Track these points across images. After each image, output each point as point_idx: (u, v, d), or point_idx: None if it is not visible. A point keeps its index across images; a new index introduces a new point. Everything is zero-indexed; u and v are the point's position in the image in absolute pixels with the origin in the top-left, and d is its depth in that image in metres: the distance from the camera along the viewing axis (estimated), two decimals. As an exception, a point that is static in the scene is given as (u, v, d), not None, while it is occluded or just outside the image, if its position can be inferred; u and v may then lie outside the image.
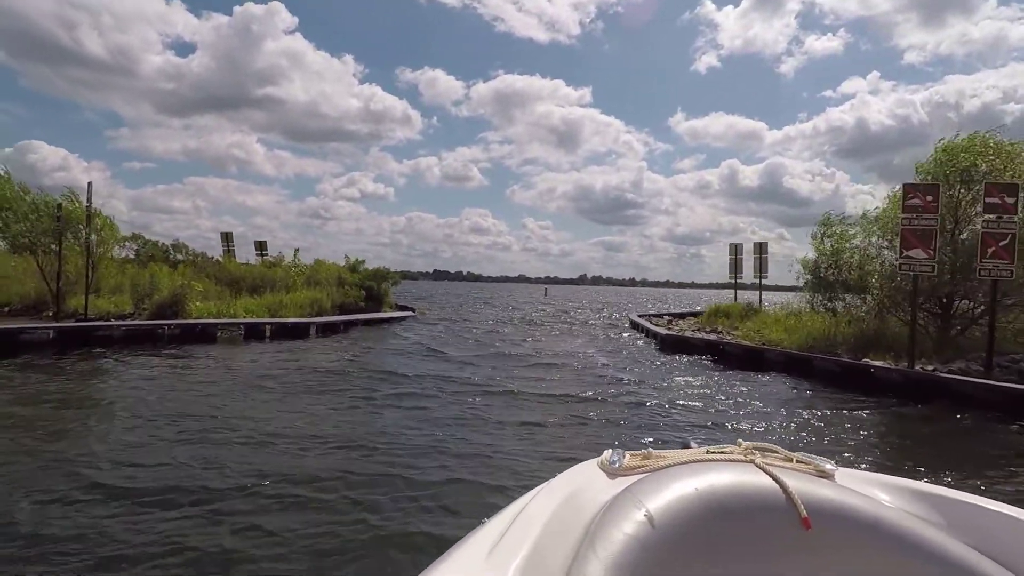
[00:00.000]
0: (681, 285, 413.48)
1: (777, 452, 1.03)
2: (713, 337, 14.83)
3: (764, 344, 12.58)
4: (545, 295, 63.70)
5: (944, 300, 11.25)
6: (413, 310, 23.69)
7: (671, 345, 14.52)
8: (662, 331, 16.18)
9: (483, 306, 37.00)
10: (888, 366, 9.40)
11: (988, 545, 0.88)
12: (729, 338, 14.50)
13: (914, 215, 9.21)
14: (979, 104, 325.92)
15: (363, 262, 22.00)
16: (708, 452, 1.04)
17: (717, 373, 10.83)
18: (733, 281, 22.43)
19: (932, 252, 9.10)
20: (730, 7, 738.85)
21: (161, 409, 6.52)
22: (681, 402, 7.94)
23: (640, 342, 16.95)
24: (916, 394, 8.25)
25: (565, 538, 0.83)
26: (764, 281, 21.35)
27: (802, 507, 0.83)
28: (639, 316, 23.05)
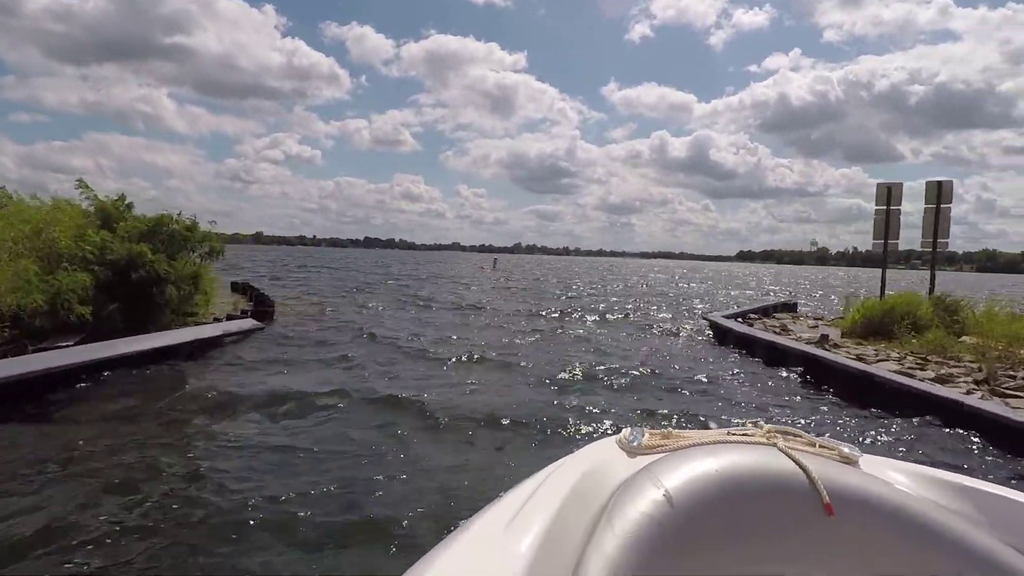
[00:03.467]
0: (613, 254, 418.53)
1: (800, 436, 1.00)
2: None
3: None
4: (494, 266, 51.63)
5: None
6: (270, 306, 11.05)
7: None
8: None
9: (421, 286, 24.81)
10: None
11: (1014, 537, 0.84)
12: None
13: None
14: (888, 84, 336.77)
15: (128, 205, 9.14)
16: (729, 433, 1.01)
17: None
18: (883, 248, 11.65)
19: None
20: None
21: None
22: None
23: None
24: None
25: (583, 514, 0.82)
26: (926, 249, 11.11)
27: (824, 492, 0.80)
28: (744, 320, 12.22)
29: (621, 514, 0.77)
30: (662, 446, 0.99)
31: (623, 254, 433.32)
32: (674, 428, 1.06)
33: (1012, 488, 0.96)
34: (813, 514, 0.80)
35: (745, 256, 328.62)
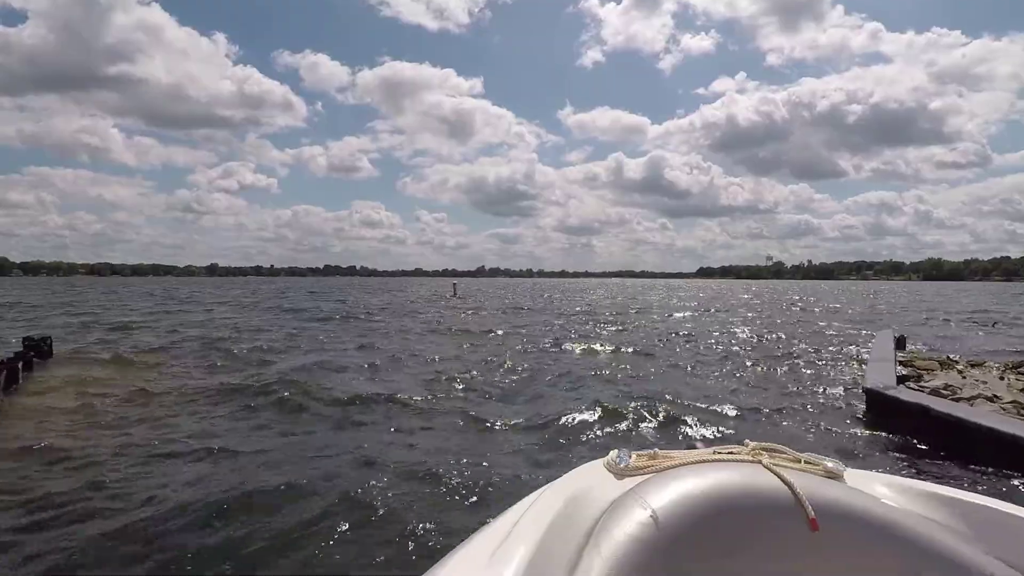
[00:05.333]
0: (576, 274, 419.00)
1: (785, 452, 1.01)
2: None
3: None
4: (455, 293, 47.12)
5: None
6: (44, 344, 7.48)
7: None
8: None
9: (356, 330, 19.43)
10: None
11: (1000, 549, 0.85)
12: None
13: None
14: (828, 104, 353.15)
15: None
16: (715, 452, 1.01)
17: None
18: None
19: None
20: (612, 3, 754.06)
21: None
22: None
23: None
24: None
25: (569, 538, 0.81)
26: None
27: (810, 508, 0.81)
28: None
29: (608, 537, 0.78)
30: (649, 467, 0.98)
31: (585, 274, 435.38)
32: (660, 449, 1.05)
33: (998, 500, 0.96)
34: (798, 529, 0.80)
35: (706, 272, 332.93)
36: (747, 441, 1.04)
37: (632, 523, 0.79)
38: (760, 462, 0.93)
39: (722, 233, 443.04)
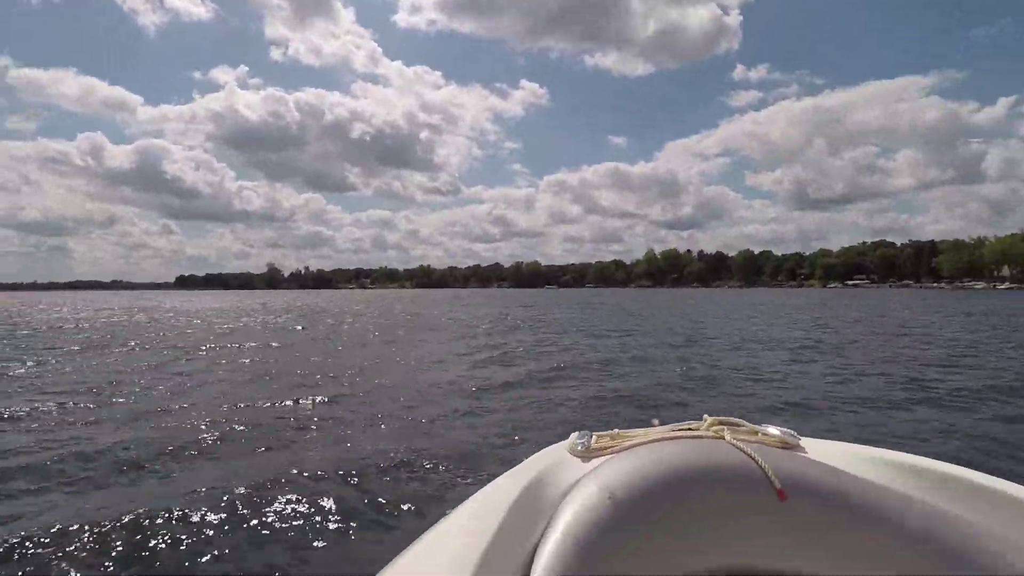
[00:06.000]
0: (38, 287, 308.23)
1: (743, 425, 1.02)
2: None
3: None
4: None
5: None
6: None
7: None
8: None
9: None
10: None
11: (956, 508, 0.85)
12: None
13: None
14: (335, 118, 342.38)
15: None
16: (675, 429, 1.02)
17: None
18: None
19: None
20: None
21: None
22: None
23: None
24: None
25: (530, 524, 0.82)
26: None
27: (776, 480, 0.81)
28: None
29: (566, 519, 0.77)
30: (610, 447, 0.98)
31: (51, 286, 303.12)
32: (621, 429, 1.06)
33: (949, 463, 0.97)
34: (767, 501, 0.80)
35: (186, 282, 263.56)
36: (705, 416, 1.04)
37: (592, 504, 0.78)
38: (722, 437, 0.94)
39: (236, 241, 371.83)
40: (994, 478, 0.93)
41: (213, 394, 6.91)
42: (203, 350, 11.81)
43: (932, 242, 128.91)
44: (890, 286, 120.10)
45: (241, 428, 5.15)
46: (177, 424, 5.32)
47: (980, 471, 0.95)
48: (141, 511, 3.18)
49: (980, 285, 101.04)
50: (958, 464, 0.97)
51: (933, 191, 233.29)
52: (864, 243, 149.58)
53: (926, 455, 1.01)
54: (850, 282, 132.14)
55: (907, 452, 1.03)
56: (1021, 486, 0.90)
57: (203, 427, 5.18)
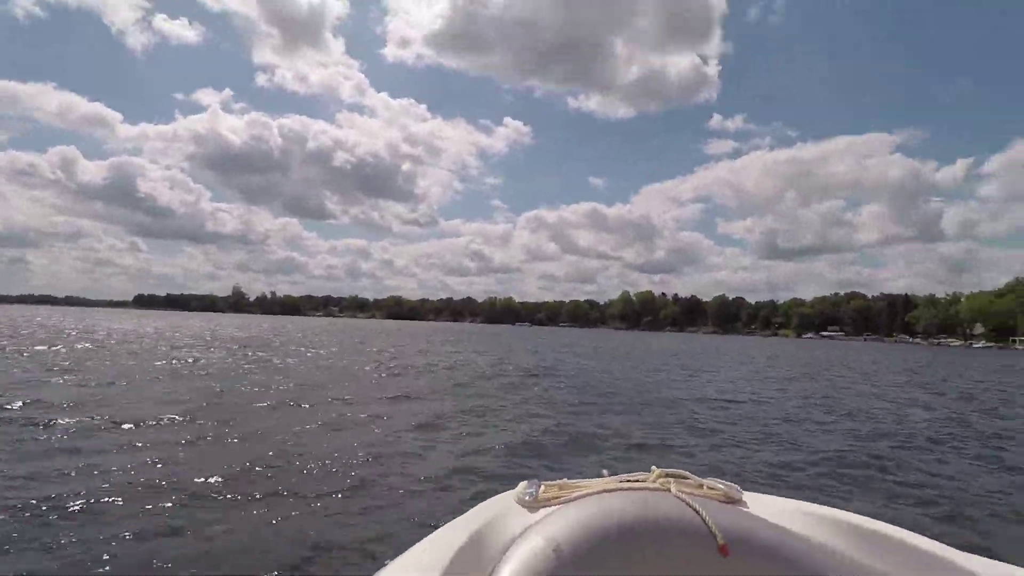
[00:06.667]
0: (4, 299, 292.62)
1: (689, 479, 1.03)
2: None
3: None
4: None
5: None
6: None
7: None
8: None
9: None
10: None
11: (891, 567, 0.89)
12: None
13: None
14: (317, 145, 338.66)
15: None
16: (623, 480, 1.02)
17: None
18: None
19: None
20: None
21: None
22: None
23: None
24: None
25: (472, 573, 0.80)
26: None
27: (719, 534, 0.81)
28: None
29: (510, 569, 0.76)
30: (558, 497, 0.98)
31: (5, 298, 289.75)
32: (569, 479, 1.05)
33: (887, 523, 1.00)
34: (709, 556, 0.80)
35: (144, 301, 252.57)
36: (653, 468, 1.04)
37: (534, 556, 0.77)
38: (668, 489, 0.94)
39: (207, 262, 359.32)
40: (920, 536, 0.96)
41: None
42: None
43: (906, 296, 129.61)
44: (864, 339, 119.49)
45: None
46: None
47: (913, 530, 0.98)
48: None
49: (956, 342, 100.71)
50: (892, 523, 1.00)
51: (896, 247, 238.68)
52: (836, 294, 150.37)
53: (867, 513, 1.03)
54: (825, 333, 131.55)
55: (843, 509, 1.06)
56: (946, 546, 0.94)
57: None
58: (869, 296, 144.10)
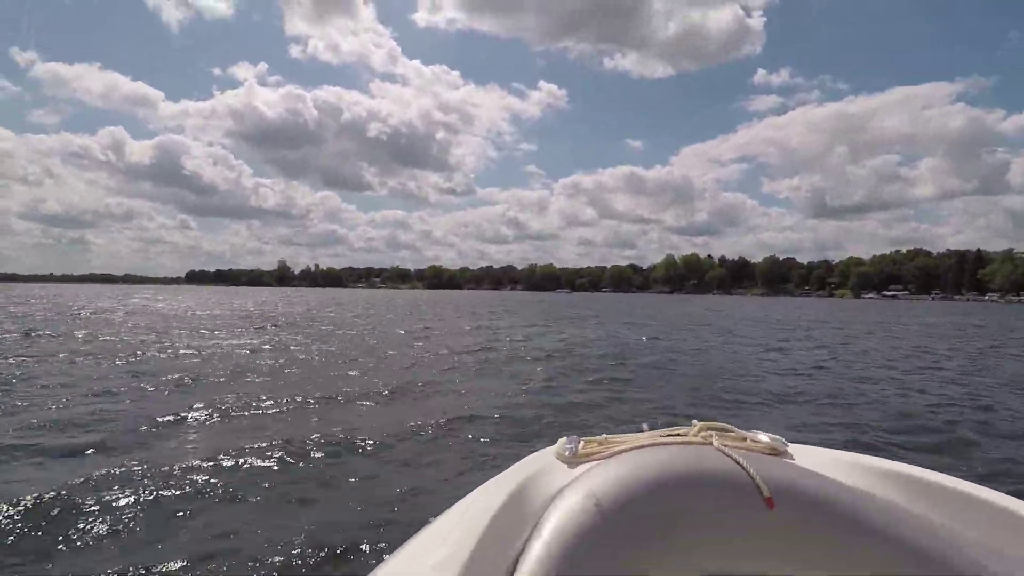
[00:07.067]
0: (66, 279, 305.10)
1: (732, 432, 1.01)
2: None
3: None
4: None
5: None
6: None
7: None
8: None
9: None
10: None
11: (938, 514, 0.87)
12: None
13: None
14: (352, 116, 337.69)
15: None
16: (664, 434, 1.01)
17: None
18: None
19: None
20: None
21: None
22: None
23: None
24: None
25: (514, 530, 0.80)
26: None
27: (765, 487, 0.80)
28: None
29: (552, 527, 0.76)
30: (598, 453, 0.97)
31: (72, 278, 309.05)
32: (610, 435, 1.05)
33: (936, 471, 0.97)
34: (755, 508, 0.79)
35: (196, 277, 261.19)
36: (694, 421, 1.03)
37: (576, 510, 0.77)
38: (711, 443, 0.92)
39: (251, 238, 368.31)
40: (974, 485, 0.92)
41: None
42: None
43: (978, 251, 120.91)
44: (932, 298, 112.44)
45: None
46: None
47: (963, 478, 0.94)
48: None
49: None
50: (941, 472, 0.96)
51: (955, 201, 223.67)
52: (898, 251, 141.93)
53: (913, 463, 1.00)
54: (887, 293, 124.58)
55: (892, 459, 1.02)
56: (1000, 493, 0.90)
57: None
58: (934, 253, 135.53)
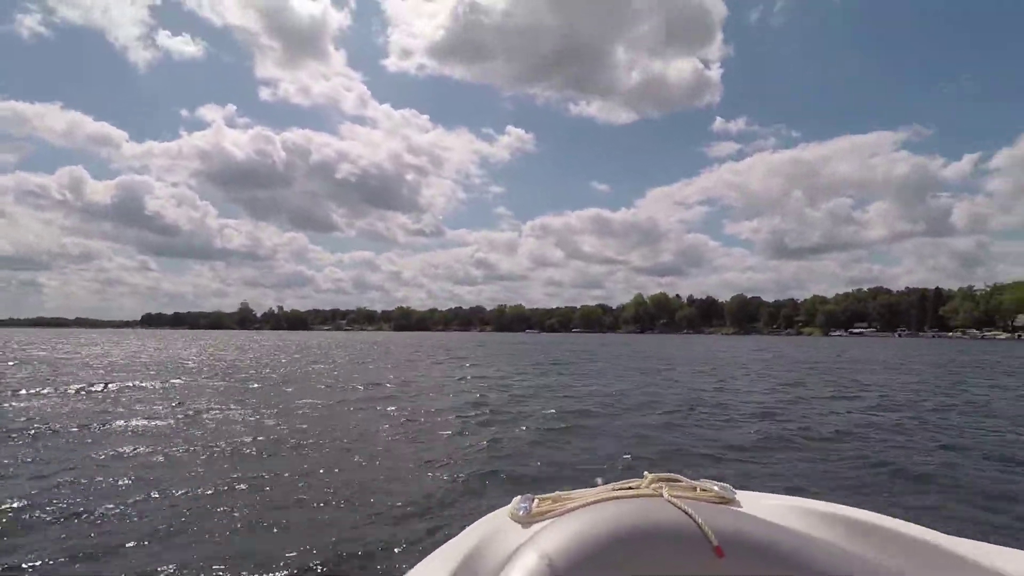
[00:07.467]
0: (12, 323, 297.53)
1: (681, 481, 1.03)
2: None
3: None
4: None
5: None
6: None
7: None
8: None
9: None
10: None
11: (881, 556, 0.89)
12: None
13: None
14: (321, 158, 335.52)
15: None
16: (616, 488, 1.01)
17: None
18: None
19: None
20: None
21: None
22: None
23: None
24: None
25: None
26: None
27: (713, 536, 0.80)
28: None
29: None
30: (552, 510, 0.97)
31: (24, 322, 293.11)
32: (562, 491, 1.04)
33: (879, 514, 0.98)
34: (705, 558, 0.79)
35: (153, 320, 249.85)
36: (645, 473, 1.03)
37: (529, 573, 0.75)
38: (661, 495, 0.93)
39: (215, 279, 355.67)
40: (906, 523, 0.95)
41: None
42: None
43: (937, 289, 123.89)
44: (899, 335, 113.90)
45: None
46: None
47: (902, 519, 0.96)
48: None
49: (1003, 335, 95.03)
50: (884, 514, 0.98)
51: (905, 243, 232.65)
52: (860, 289, 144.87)
53: (858, 505, 1.01)
54: (853, 330, 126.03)
55: (837, 503, 1.04)
56: (928, 528, 0.93)
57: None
58: (894, 291, 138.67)
